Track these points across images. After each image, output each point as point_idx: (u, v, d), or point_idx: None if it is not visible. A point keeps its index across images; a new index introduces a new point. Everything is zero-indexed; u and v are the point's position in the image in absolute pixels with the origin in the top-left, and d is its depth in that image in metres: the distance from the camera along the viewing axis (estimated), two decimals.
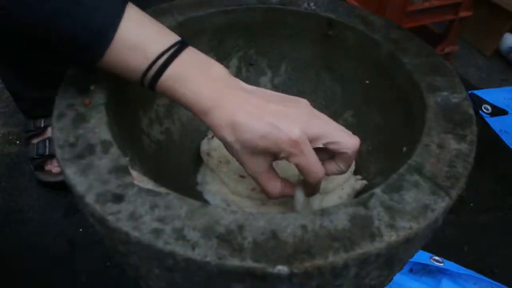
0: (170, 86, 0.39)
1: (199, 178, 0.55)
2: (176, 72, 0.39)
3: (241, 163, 0.41)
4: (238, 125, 0.38)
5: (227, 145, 0.41)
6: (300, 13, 0.56)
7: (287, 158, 0.39)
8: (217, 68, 0.41)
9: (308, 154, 0.39)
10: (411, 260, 0.72)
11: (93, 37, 0.37)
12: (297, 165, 0.40)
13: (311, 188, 0.44)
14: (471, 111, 0.43)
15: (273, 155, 0.40)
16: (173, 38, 0.40)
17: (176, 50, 0.39)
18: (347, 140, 0.40)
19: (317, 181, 0.41)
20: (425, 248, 0.73)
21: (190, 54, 0.40)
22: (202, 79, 0.39)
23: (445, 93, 0.44)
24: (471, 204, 0.83)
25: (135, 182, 0.34)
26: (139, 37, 0.38)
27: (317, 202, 0.49)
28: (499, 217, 0.81)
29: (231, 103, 0.39)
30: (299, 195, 0.44)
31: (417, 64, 0.48)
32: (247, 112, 0.38)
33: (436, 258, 0.73)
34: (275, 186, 0.43)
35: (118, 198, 0.33)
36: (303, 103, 0.41)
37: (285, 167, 0.49)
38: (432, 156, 0.38)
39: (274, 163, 0.43)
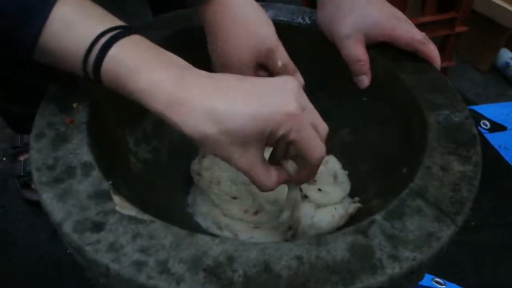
0: (115, 72, 0.33)
1: (190, 199, 0.52)
2: (121, 54, 0.33)
3: (229, 160, 0.34)
4: (218, 112, 0.31)
5: (207, 141, 0.32)
6: (294, 28, 0.55)
7: (286, 136, 0.33)
8: (170, 54, 0.35)
9: (308, 126, 0.34)
10: None
11: (28, 12, 0.33)
12: (297, 142, 0.34)
13: (307, 173, 0.38)
14: (475, 131, 0.41)
15: (265, 140, 0.33)
16: (118, 22, 0.35)
17: (121, 32, 0.34)
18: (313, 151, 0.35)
19: (320, 159, 0.35)
20: None
21: (137, 39, 0.35)
22: (155, 64, 0.33)
23: (446, 111, 0.42)
24: (472, 223, 0.80)
25: (117, 208, 0.32)
26: (79, 15, 0.34)
27: (311, 213, 0.46)
28: (501, 235, 0.79)
29: (201, 90, 0.32)
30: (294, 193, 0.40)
31: (416, 81, 0.46)
32: (224, 94, 0.32)
33: (438, 280, 0.71)
34: (270, 178, 0.36)
35: (97, 227, 0.31)
36: (289, 79, 0.35)
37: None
38: (435, 179, 0.36)
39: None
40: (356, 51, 0.48)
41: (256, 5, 0.46)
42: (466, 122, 0.41)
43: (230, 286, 0.27)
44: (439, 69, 0.48)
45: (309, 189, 0.50)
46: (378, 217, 0.32)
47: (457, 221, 0.32)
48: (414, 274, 0.30)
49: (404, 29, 0.47)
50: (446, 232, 0.32)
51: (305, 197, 0.49)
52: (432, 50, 0.48)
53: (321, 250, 0.30)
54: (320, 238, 0.31)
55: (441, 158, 0.38)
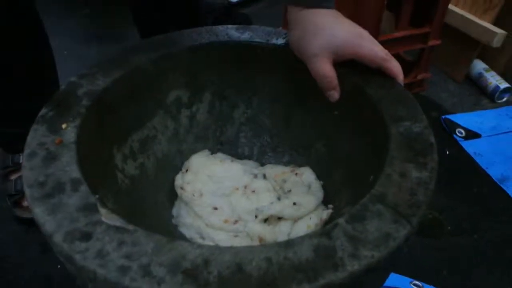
0: None
1: (174, 211, 0.55)
2: None
3: None
4: None
5: None
6: (270, 48, 0.59)
7: None
8: None
9: None
10: (391, 285, 0.73)
11: None
12: None
13: None
14: (432, 140, 0.44)
15: None
16: None
17: None
18: None
19: None
20: (404, 273, 0.74)
21: None
22: None
23: (407, 123, 0.46)
24: (449, 227, 0.84)
25: (103, 219, 0.35)
26: None
27: (287, 230, 0.49)
28: (476, 239, 0.82)
29: None
30: None
31: (381, 95, 0.50)
32: None
33: (416, 282, 0.74)
34: None
35: (86, 236, 0.34)
36: None
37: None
38: (394, 185, 0.39)
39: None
40: (323, 69, 0.52)
41: None
42: (424, 132, 0.45)
43: (206, 286, 0.30)
44: (402, 84, 0.52)
45: (285, 207, 0.52)
46: (341, 220, 0.35)
47: (413, 222, 0.36)
48: (374, 271, 0.34)
49: (368, 47, 0.51)
50: (403, 232, 0.35)
51: (278, 219, 0.51)
52: (394, 66, 0.51)
53: (288, 251, 0.33)
54: (288, 241, 0.34)
55: (401, 166, 0.41)
